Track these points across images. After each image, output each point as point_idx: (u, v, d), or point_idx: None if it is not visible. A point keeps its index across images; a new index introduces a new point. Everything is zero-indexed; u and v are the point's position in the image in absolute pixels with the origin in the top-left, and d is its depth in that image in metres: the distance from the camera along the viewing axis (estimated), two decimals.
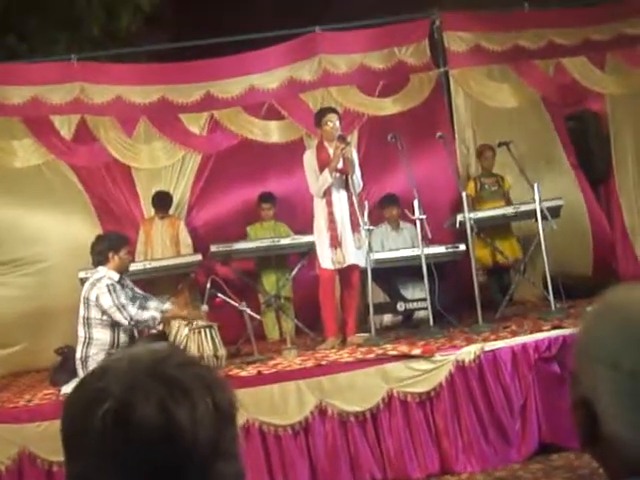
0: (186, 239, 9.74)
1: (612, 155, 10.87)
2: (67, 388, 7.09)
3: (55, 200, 9.78)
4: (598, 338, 1.35)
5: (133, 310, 7.17)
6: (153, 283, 8.87)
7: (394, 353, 6.98)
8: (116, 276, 7.31)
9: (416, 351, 6.94)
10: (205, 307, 7.60)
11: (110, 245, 7.44)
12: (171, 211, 9.97)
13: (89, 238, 8.98)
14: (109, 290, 7.14)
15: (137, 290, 7.61)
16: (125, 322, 7.11)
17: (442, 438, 6.77)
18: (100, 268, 7.35)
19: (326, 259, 8.03)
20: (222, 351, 7.27)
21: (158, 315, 7.29)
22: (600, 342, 1.35)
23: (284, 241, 9.26)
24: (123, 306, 7.12)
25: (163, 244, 9.58)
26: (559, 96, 10.80)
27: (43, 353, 8.85)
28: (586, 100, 11.14)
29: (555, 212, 8.65)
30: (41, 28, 13.08)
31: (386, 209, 9.71)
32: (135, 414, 1.24)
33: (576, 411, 1.36)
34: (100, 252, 7.38)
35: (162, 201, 9.73)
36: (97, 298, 7.13)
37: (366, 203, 8.06)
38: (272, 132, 10.36)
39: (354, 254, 7.98)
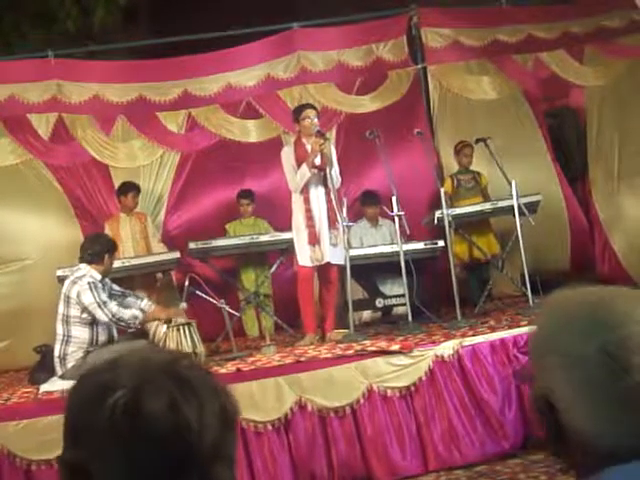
0: (155, 233, 9.71)
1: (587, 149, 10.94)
2: (46, 386, 7.09)
3: (33, 199, 9.73)
4: (548, 333, 1.42)
5: (115, 307, 7.17)
6: (129, 280, 8.83)
7: (373, 349, 6.99)
8: (98, 276, 7.30)
9: (395, 347, 6.96)
10: (184, 305, 7.59)
11: (108, 247, 7.46)
12: (150, 209, 9.96)
13: (67, 237, 8.98)
14: (90, 287, 7.13)
15: (115, 287, 7.60)
16: (106, 319, 7.10)
17: (423, 432, 6.79)
18: (82, 266, 7.33)
19: (304, 256, 8.03)
20: (201, 348, 7.27)
21: (140, 314, 7.28)
22: (550, 335, 1.41)
23: (263, 238, 9.24)
24: (104, 303, 7.11)
25: (134, 240, 9.50)
26: (539, 90, 10.85)
27: (22, 352, 8.82)
28: (566, 94, 11.19)
29: (533, 208, 8.68)
30: (15, 23, 12.99)
31: (367, 207, 9.72)
32: (145, 406, 1.26)
33: (538, 411, 1.39)
34: (97, 252, 7.36)
35: (130, 186, 9.61)
36: (78, 295, 7.11)
37: (344, 199, 8.08)
38: (250, 131, 10.36)
39: (332, 251, 7.99)
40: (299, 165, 7.97)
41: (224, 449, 1.31)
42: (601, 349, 1.32)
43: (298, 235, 8.10)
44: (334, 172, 8.03)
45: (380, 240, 9.58)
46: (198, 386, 1.31)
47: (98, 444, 1.27)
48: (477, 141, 9.24)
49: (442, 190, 8.38)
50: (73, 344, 7.16)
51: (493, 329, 7.43)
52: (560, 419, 1.35)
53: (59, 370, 7.17)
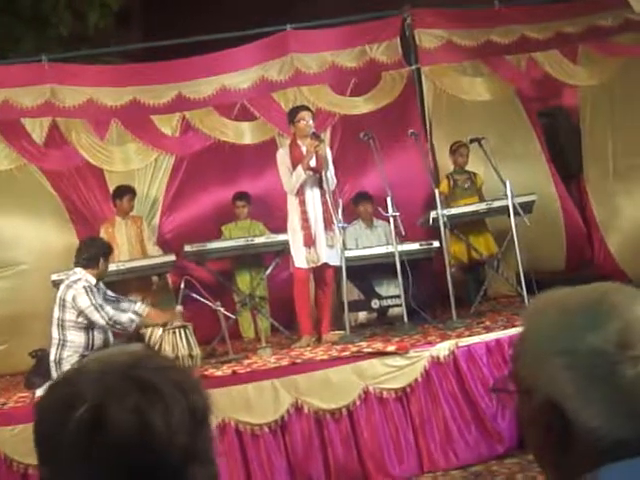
0: (150, 236, 9.70)
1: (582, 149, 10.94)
2: (41, 391, 7.07)
3: (28, 204, 9.71)
4: (547, 334, 1.36)
5: (111, 310, 7.16)
6: (125, 284, 8.82)
7: (369, 350, 6.99)
8: (93, 280, 7.30)
9: (390, 348, 6.96)
10: (179, 307, 7.59)
11: (103, 250, 7.47)
12: (146, 212, 9.95)
13: (62, 241, 8.96)
14: (86, 291, 7.12)
15: (109, 293, 7.59)
16: (103, 322, 7.09)
17: (419, 433, 6.79)
18: (78, 270, 7.33)
19: (300, 258, 8.03)
20: (197, 351, 7.27)
21: (136, 318, 7.27)
22: (551, 336, 1.35)
23: (259, 240, 9.23)
24: (101, 306, 7.11)
25: (129, 243, 9.48)
26: (533, 90, 10.86)
27: (17, 356, 8.81)
28: (560, 94, 11.21)
29: (528, 208, 8.67)
30: (8, 28, 12.96)
31: (360, 205, 9.70)
32: (110, 419, 1.23)
33: (540, 420, 1.34)
34: (92, 257, 7.36)
35: (126, 189, 9.60)
36: (74, 299, 7.10)
37: (340, 201, 8.07)
38: (244, 133, 10.35)
39: (328, 252, 7.98)
40: (294, 167, 7.97)
41: (197, 449, 1.29)
42: (608, 341, 1.29)
43: (294, 237, 8.10)
44: (329, 174, 8.02)
45: (375, 241, 9.58)
46: (163, 389, 1.27)
47: (66, 460, 1.25)
48: (471, 141, 9.23)
49: (437, 190, 8.39)
50: (69, 348, 7.15)
51: (489, 329, 7.44)
52: (569, 423, 1.30)
53: (55, 374, 7.15)
